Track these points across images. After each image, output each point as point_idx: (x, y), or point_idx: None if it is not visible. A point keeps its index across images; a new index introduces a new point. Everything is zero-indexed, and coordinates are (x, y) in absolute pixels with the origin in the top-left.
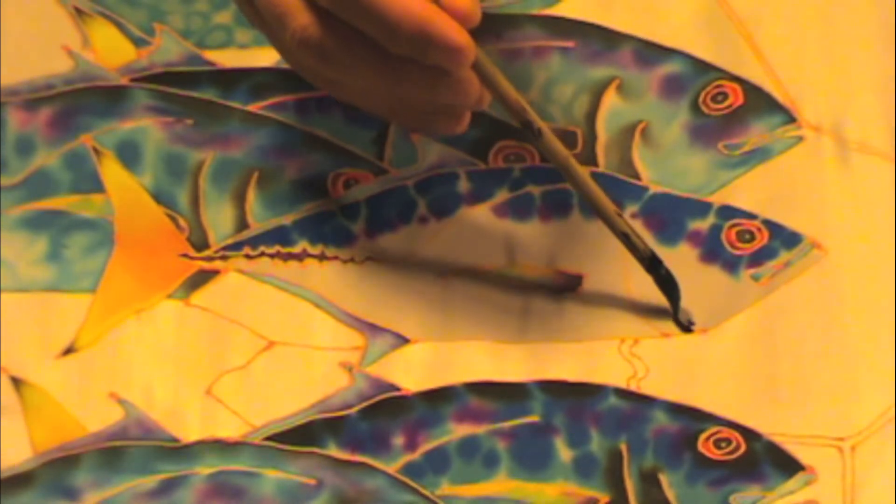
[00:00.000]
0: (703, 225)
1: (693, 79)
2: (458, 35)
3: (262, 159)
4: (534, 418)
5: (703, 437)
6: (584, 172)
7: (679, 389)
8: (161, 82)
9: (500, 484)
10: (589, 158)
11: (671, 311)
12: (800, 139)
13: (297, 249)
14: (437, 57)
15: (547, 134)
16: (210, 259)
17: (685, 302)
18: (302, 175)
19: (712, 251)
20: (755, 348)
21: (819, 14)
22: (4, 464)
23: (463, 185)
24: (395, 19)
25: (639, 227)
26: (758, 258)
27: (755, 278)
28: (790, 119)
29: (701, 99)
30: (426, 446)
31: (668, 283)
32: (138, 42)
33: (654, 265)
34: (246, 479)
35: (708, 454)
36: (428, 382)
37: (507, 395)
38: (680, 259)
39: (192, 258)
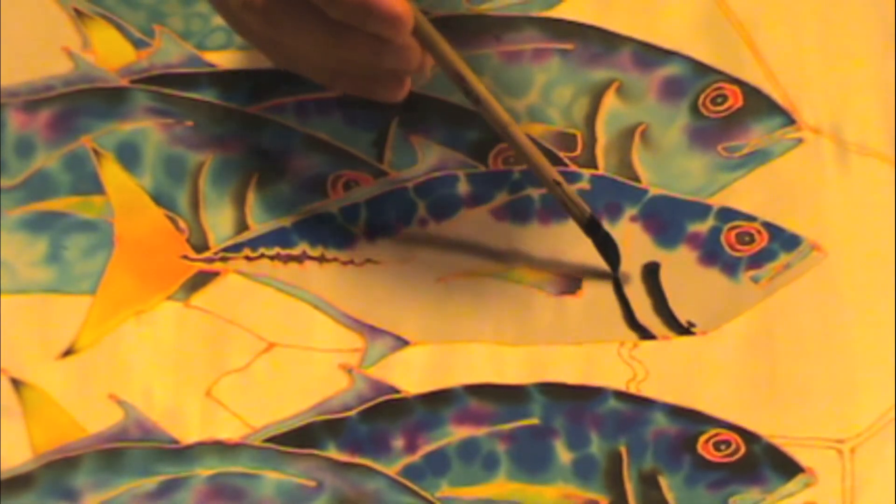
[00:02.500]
0: (702, 227)
1: (693, 81)
2: (395, 4)
3: (262, 161)
4: (533, 421)
5: (702, 439)
6: (525, 139)
7: (678, 392)
8: (161, 84)
9: (500, 486)
10: (588, 161)
11: (611, 273)
12: (799, 141)
13: (296, 251)
14: (376, 26)
15: (486, 101)
16: (210, 261)
17: (684, 304)
18: (302, 177)
19: (712, 253)
20: (755, 350)
21: (818, 16)
22: (4, 465)
23: (463, 188)
24: None
25: (638, 230)
26: (757, 260)
27: (755, 280)
28: (790, 121)
29: (700, 101)
30: (426, 448)
31: (606, 245)
32: (138, 43)
33: (592, 227)
34: (246, 481)
35: (707, 456)
36: (428, 384)
37: (506, 397)
38: (679, 261)
39: (191, 260)
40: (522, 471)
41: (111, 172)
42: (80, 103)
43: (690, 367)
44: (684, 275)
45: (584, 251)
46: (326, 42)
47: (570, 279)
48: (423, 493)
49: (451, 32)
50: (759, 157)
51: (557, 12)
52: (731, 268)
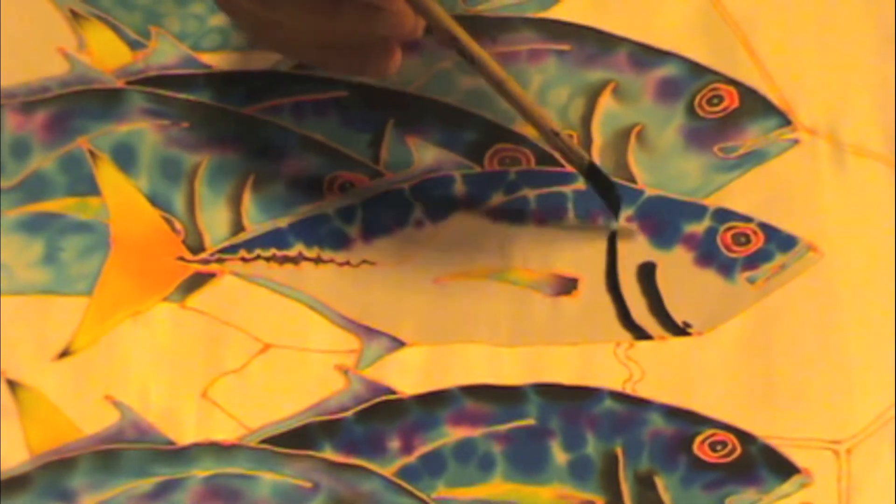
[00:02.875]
0: (698, 228)
1: (688, 82)
2: None
3: (258, 162)
4: (529, 421)
5: (698, 439)
6: (522, 93)
7: (675, 392)
8: (157, 85)
9: (496, 487)
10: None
11: (613, 216)
12: (795, 142)
13: (292, 252)
14: None
15: (481, 59)
16: (206, 262)
17: (680, 304)
18: (297, 178)
19: (708, 254)
20: (751, 351)
21: (814, 17)
22: (1, 466)
23: (458, 189)
24: None
25: (634, 230)
26: (753, 261)
27: (751, 281)
28: (786, 122)
29: (696, 102)
30: (422, 449)
31: (607, 190)
32: (134, 45)
33: (592, 173)
34: (242, 482)
35: (703, 457)
36: (424, 385)
37: (502, 398)
38: (675, 262)
39: (187, 261)
40: (518, 471)
41: (107, 174)
42: (76, 104)
43: (687, 368)
44: (680, 275)
45: (580, 251)
46: (317, 11)
47: (566, 280)
48: (419, 493)
49: None
50: (755, 158)
51: (553, 13)
52: (727, 268)
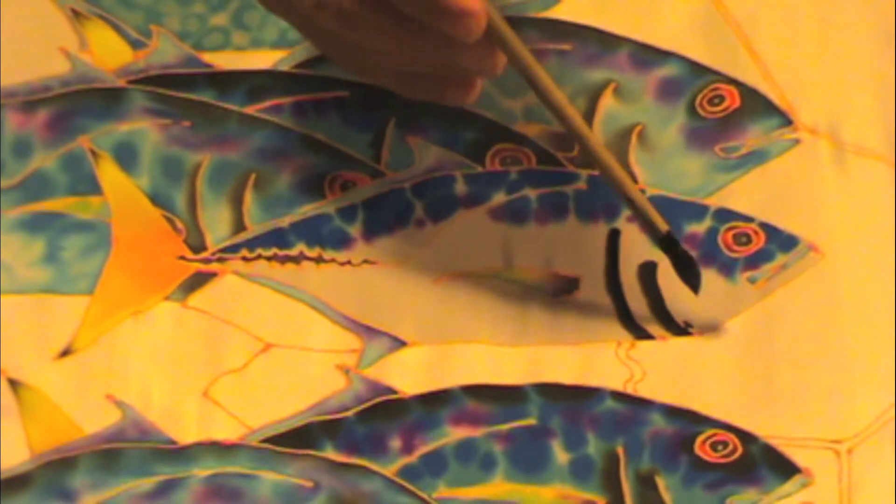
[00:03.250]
0: (699, 228)
1: (690, 82)
2: (468, 1)
3: (260, 161)
4: (530, 421)
5: (699, 439)
6: (602, 150)
7: (676, 392)
8: (158, 84)
9: (497, 487)
10: (586, 162)
11: (692, 289)
12: (796, 142)
13: (294, 252)
14: (447, 24)
15: (562, 109)
16: (207, 261)
17: (681, 304)
18: (299, 177)
19: (709, 254)
20: (752, 351)
21: (815, 16)
22: (2, 465)
23: (460, 188)
24: None
25: (635, 230)
26: (754, 261)
27: (752, 281)
28: (787, 122)
29: (697, 102)
30: (423, 449)
31: (684, 264)
32: (135, 44)
33: (668, 245)
34: (243, 482)
35: (705, 457)
36: (425, 385)
37: (503, 398)
38: None
39: (189, 260)
40: (519, 471)
41: (108, 173)
42: (77, 104)
43: (688, 368)
44: None
45: (581, 251)
46: (399, 40)
47: (568, 280)
48: (420, 493)
49: None
50: (756, 158)
51: (555, 13)
52: (728, 268)
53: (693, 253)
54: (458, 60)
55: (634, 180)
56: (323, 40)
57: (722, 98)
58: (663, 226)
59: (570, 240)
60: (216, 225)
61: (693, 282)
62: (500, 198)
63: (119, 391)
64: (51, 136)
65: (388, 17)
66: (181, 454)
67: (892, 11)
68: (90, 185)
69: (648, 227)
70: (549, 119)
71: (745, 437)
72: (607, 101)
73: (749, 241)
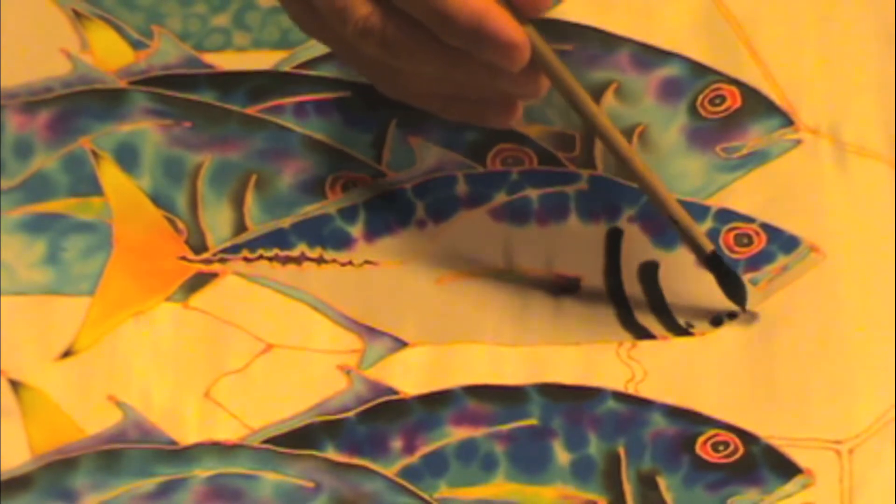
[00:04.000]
0: (700, 228)
1: (691, 82)
2: (513, 32)
3: (261, 162)
4: (532, 422)
5: (700, 440)
6: (647, 170)
7: (677, 393)
8: (159, 85)
9: (498, 487)
10: (587, 161)
11: (738, 305)
12: (797, 142)
13: (295, 252)
14: (492, 54)
15: (606, 133)
16: (208, 262)
17: (683, 304)
18: (300, 178)
19: None
20: (753, 352)
21: (817, 16)
22: (3, 466)
23: (461, 189)
24: (450, 11)
25: (637, 231)
26: (756, 262)
27: (753, 282)
28: (788, 122)
29: (699, 102)
30: (424, 450)
31: (730, 282)
32: (136, 45)
33: (714, 264)
34: (244, 482)
35: (706, 457)
36: (426, 386)
37: (505, 398)
38: (678, 262)
39: (190, 261)
40: (521, 471)
41: (109, 174)
42: (78, 104)
43: (689, 368)
44: (683, 275)
45: (582, 252)
46: (443, 68)
47: (569, 280)
48: (421, 493)
49: None
50: (757, 158)
51: (556, 13)
52: None
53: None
54: (501, 86)
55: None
56: (366, 67)
57: (723, 98)
58: (708, 245)
59: (572, 240)
60: (217, 225)
61: (740, 299)
62: (501, 198)
63: (120, 392)
64: (52, 137)
65: (433, 46)
66: (182, 455)
67: (893, 11)
68: (91, 186)
69: (693, 246)
70: (550, 119)
71: (747, 437)
72: (608, 102)
73: (750, 241)
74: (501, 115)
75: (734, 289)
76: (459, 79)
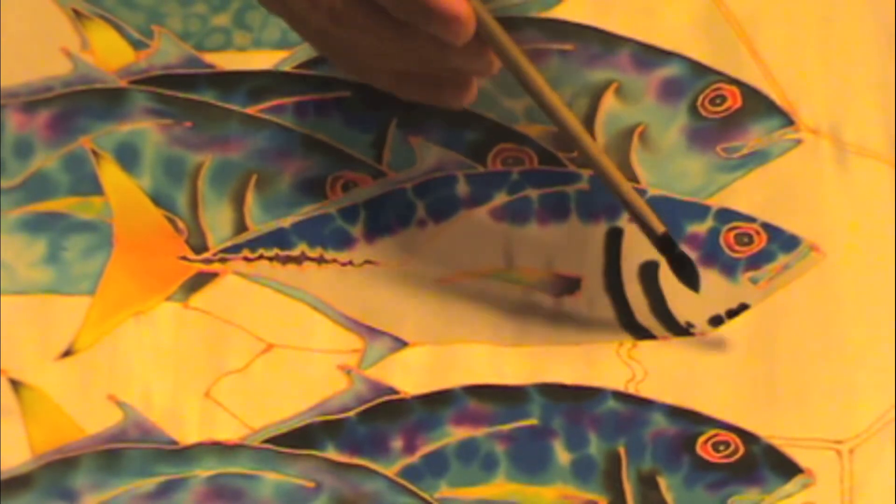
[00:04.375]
0: (701, 228)
1: (691, 82)
2: (456, 4)
3: (261, 162)
4: (532, 421)
5: (701, 439)
6: (598, 151)
7: (677, 392)
8: (160, 85)
9: (499, 487)
10: (584, 162)
11: (691, 289)
12: (798, 142)
13: (295, 252)
14: (436, 27)
15: (556, 110)
16: (209, 261)
17: (683, 304)
18: (300, 178)
19: (711, 254)
20: (754, 351)
21: (817, 17)
22: (3, 465)
23: (461, 189)
24: None
25: (637, 231)
26: (756, 261)
27: (753, 281)
28: (788, 122)
29: (699, 102)
30: (424, 449)
31: (682, 265)
32: (137, 44)
33: (665, 246)
34: (245, 482)
35: (706, 457)
36: (426, 386)
37: (505, 398)
38: None
39: (190, 261)
40: (521, 471)
41: (110, 173)
42: (78, 104)
43: (689, 368)
44: None
45: (582, 252)
46: (391, 40)
47: (569, 280)
48: (421, 493)
49: None
50: (757, 158)
51: (556, 13)
52: (729, 269)
53: (694, 253)
54: (450, 61)
55: (635, 180)
56: (319, 40)
57: (723, 98)
58: (660, 227)
59: (572, 240)
60: (218, 225)
61: (692, 282)
62: (501, 198)
63: (120, 391)
64: (52, 137)
65: (379, 18)
66: (183, 454)
67: (893, 11)
68: (92, 186)
69: (645, 228)
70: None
71: (747, 437)
72: (609, 102)
73: (751, 241)
74: (455, 93)
75: (686, 271)
76: (408, 54)
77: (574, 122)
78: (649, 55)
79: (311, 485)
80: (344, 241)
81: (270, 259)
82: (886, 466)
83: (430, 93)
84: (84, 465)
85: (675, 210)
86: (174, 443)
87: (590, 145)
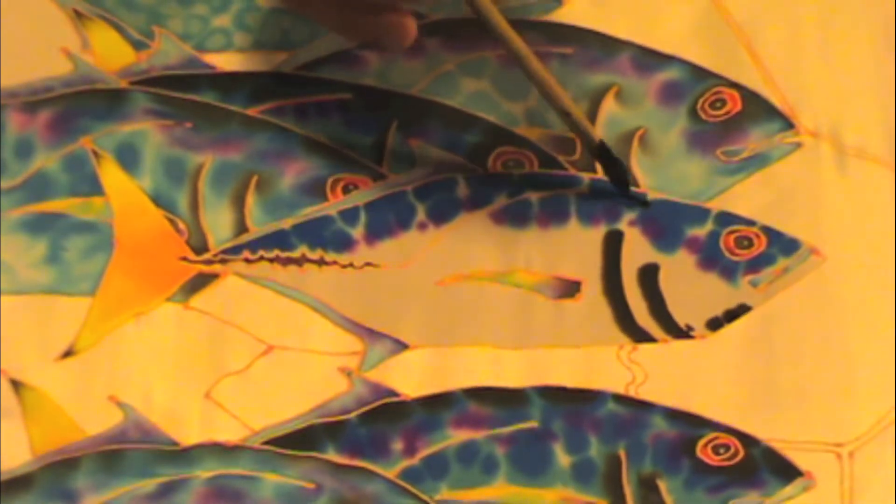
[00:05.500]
0: (701, 231)
1: (691, 85)
2: None
3: (262, 163)
4: (532, 424)
5: (701, 442)
6: (542, 68)
7: (677, 395)
8: (160, 85)
9: (499, 489)
10: (587, 165)
11: (622, 195)
12: (798, 145)
13: (296, 254)
14: None
15: (502, 31)
16: (209, 262)
17: (683, 307)
18: (301, 179)
19: (711, 257)
20: (754, 354)
21: (817, 20)
22: (4, 466)
23: (462, 191)
24: None
25: (637, 234)
26: (756, 264)
27: (753, 284)
28: (788, 125)
29: (699, 105)
30: (425, 452)
31: (615, 170)
32: (137, 45)
33: (601, 153)
34: (245, 483)
35: (706, 460)
36: (427, 388)
37: (505, 400)
38: (678, 265)
39: (191, 261)
40: (521, 474)
41: (110, 174)
42: (79, 104)
43: (689, 371)
44: (683, 278)
45: (583, 254)
46: None
47: (569, 283)
48: (422, 496)
49: (451, 36)
50: (757, 162)
51: (557, 16)
52: (729, 272)
53: (694, 256)
54: None
55: (636, 184)
56: None
57: (723, 102)
58: (596, 137)
59: (572, 243)
60: (218, 226)
61: (624, 185)
62: (502, 201)
63: (121, 392)
64: (53, 137)
65: None
66: (183, 456)
67: (893, 15)
68: (92, 186)
69: (583, 137)
70: (551, 122)
71: (747, 440)
72: (609, 105)
73: (751, 244)
74: (396, 29)
75: (619, 175)
76: None
77: (513, 34)
78: (649, 59)
79: (311, 486)
80: (344, 243)
81: (271, 260)
82: (886, 469)
83: (371, 31)
84: (84, 466)
85: (675, 213)
86: (175, 444)
87: (531, 59)
